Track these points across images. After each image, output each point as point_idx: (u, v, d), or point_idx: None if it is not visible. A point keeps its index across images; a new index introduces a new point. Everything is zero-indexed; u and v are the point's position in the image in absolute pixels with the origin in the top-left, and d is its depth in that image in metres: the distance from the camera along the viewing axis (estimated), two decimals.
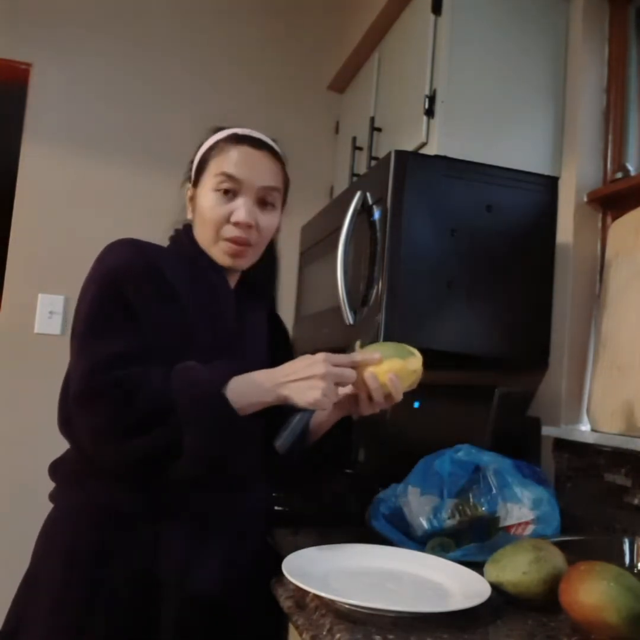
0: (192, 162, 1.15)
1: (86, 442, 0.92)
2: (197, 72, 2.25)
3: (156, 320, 0.96)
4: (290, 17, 2.36)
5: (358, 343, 0.99)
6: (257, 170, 1.05)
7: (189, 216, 1.11)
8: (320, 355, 0.92)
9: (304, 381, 0.90)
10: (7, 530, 1.92)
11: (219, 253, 1.06)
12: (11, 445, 1.99)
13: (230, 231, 1.04)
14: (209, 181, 1.06)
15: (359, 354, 0.96)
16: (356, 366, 0.95)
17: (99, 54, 2.15)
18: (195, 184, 1.10)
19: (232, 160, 1.04)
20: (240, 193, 1.04)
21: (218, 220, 1.04)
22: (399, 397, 0.97)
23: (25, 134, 2.08)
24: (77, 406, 0.91)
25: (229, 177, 1.03)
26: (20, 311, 2.04)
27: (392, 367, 0.95)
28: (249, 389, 0.92)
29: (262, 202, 1.06)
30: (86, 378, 0.90)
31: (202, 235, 1.07)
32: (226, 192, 1.04)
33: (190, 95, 2.22)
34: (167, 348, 0.96)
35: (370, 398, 0.97)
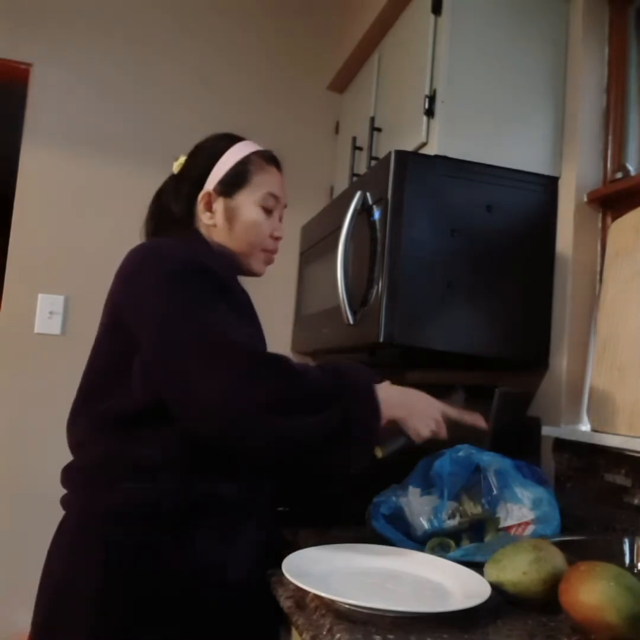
0: (198, 166, 1.14)
1: (241, 421, 0.88)
2: (196, 72, 2.25)
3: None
4: (290, 17, 2.36)
5: None
6: (283, 190, 1.18)
7: (208, 222, 1.12)
8: (442, 406, 1.06)
9: (427, 418, 1.03)
10: (7, 529, 1.92)
11: (258, 263, 1.16)
12: (11, 445, 1.99)
13: (271, 244, 1.16)
14: (253, 196, 1.13)
15: (468, 416, 1.11)
16: (454, 422, 1.08)
17: (99, 54, 2.15)
18: (227, 194, 1.12)
19: (275, 182, 1.16)
20: (275, 211, 1.16)
21: (265, 234, 1.14)
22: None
23: (25, 134, 2.08)
24: (241, 381, 0.88)
25: (275, 197, 1.15)
26: (20, 311, 2.04)
27: None
28: (393, 402, 0.99)
29: (280, 218, 1.19)
30: (248, 357, 0.90)
31: (242, 245, 1.13)
32: (268, 210, 1.14)
33: (190, 95, 2.22)
34: None
35: None
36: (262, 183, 1.13)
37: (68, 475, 1.02)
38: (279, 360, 0.93)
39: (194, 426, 0.92)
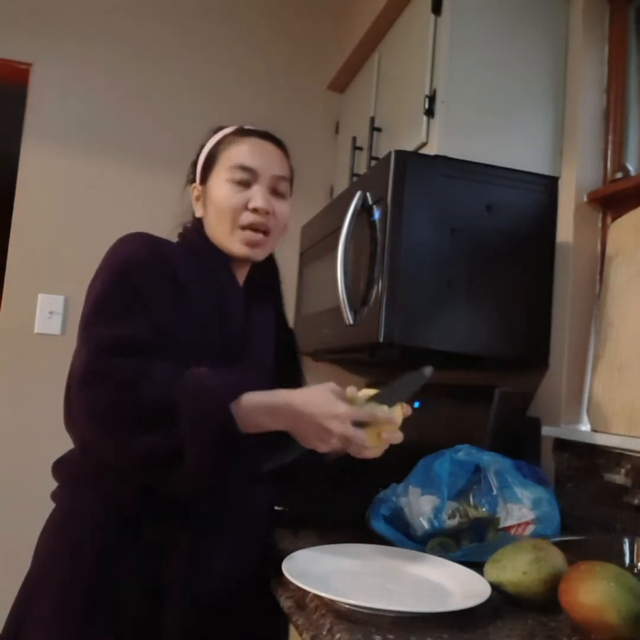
0: (195, 163, 1.15)
1: (83, 430, 0.90)
2: (197, 72, 2.25)
3: (165, 317, 0.95)
4: (290, 17, 2.36)
5: (353, 389, 0.93)
6: (268, 159, 1.08)
7: (199, 214, 1.11)
8: (345, 411, 0.86)
9: (318, 430, 0.86)
10: (8, 529, 1.92)
11: (236, 243, 1.06)
12: (11, 445, 1.99)
13: (248, 218, 1.05)
14: (221, 174, 1.07)
15: (380, 414, 0.89)
16: (371, 423, 0.89)
17: (99, 53, 2.15)
18: (203, 181, 1.10)
19: (244, 152, 1.07)
20: (254, 182, 1.06)
21: (235, 208, 1.05)
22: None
23: (25, 134, 2.08)
24: (78, 390, 0.88)
25: (243, 168, 1.05)
26: (20, 311, 2.04)
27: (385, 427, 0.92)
28: (260, 412, 0.88)
29: (275, 191, 1.08)
30: (89, 361, 0.88)
31: (218, 227, 1.07)
32: (241, 182, 1.05)
33: (190, 95, 2.22)
34: (175, 346, 0.94)
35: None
36: (229, 157, 1.07)
37: (54, 469, 1.04)
38: (118, 371, 0.86)
39: None
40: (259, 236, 1.06)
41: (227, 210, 1.05)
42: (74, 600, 0.92)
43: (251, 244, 1.06)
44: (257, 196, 1.05)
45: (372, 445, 0.91)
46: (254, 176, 1.06)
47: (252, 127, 1.12)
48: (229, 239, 1.06)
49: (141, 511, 0.94)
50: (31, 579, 1.00)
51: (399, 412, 0.92)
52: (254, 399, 0.88)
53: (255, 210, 1.05)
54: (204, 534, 0.96)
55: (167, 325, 0.95)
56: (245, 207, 1.05)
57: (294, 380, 1.19)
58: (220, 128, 1.14)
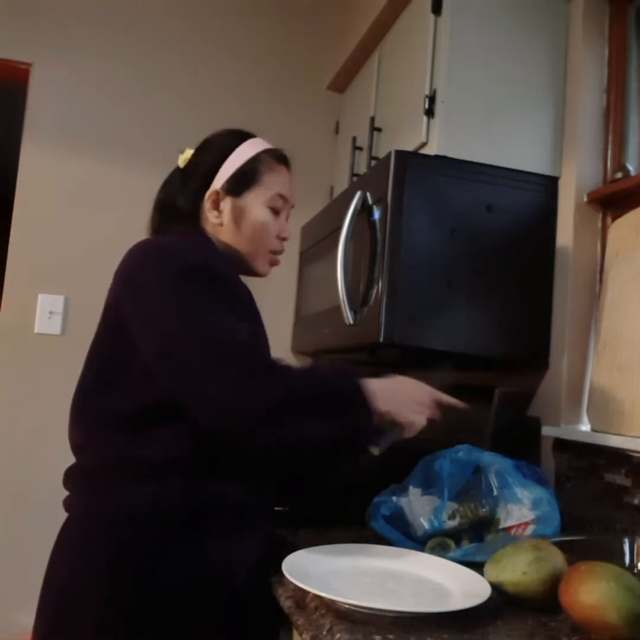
0: (196, 162, 1.13)
1: (242, 419, 0.89)
2: (197, 72, 2.25)
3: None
4: (290, 17, 2.36)
5: None
6: (292, 191, 1.17)
7: (217, 221, 1.11)
8: (429, 390, 1.03)
9: (415, 406, 1.00)
10: (6, 530, 1.92)
11: (262, 263, 1.15)
12: (11, 445, 1.99)
13: (278, 245, 1.15)
14: (263, 197, 1.12)
15: (456, 402, 1.06)
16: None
17: (99, 53, 2.15)
18: (236, 193, 1.11)
19: (285, 182, 1.15)
20: (282, 211, 1.15)
21: (272, 235, 1.14)
22: None
23: (25, 134, 2.08)
24: (247, 393, 0.88)
25: (283, 198, 1.14)
26: (20, 311, 2.04)
27: None
28: (386, 401, 0.96)
29: (286, 217, 1.18)
30: (254, 353, 0.92)
31: (246, 243, 1.12)
32: (276, 210, 1.13)
33: (191, 95, 2.22)
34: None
35: None
36: (272, 183, 1.12)
37: (71, 477, 1.01)
38: (284, 363, 0.94)
39: (205, 425, 0.91)
40: (278, 258, 1.17)
41: (266, 236, 1.13)
42: (123, 607, 0.90)
43: (273, 265, 1.18)
44: (286, 227, 1.16)
45: None
46: (284, 206, 1.15)
47: (284, 153, 1.17)
48: (258, 260, 1.14)
49: (180, 509, 0.94)
50: (64, 592, 0.94)
51: None
52: (374, 386, 0.97)
53: (284, 239, 1.16)
54: (237, 528, 0.98)
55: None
56: (278, 235, 1.15)
57: None
58: (243, 135, 1.14)
